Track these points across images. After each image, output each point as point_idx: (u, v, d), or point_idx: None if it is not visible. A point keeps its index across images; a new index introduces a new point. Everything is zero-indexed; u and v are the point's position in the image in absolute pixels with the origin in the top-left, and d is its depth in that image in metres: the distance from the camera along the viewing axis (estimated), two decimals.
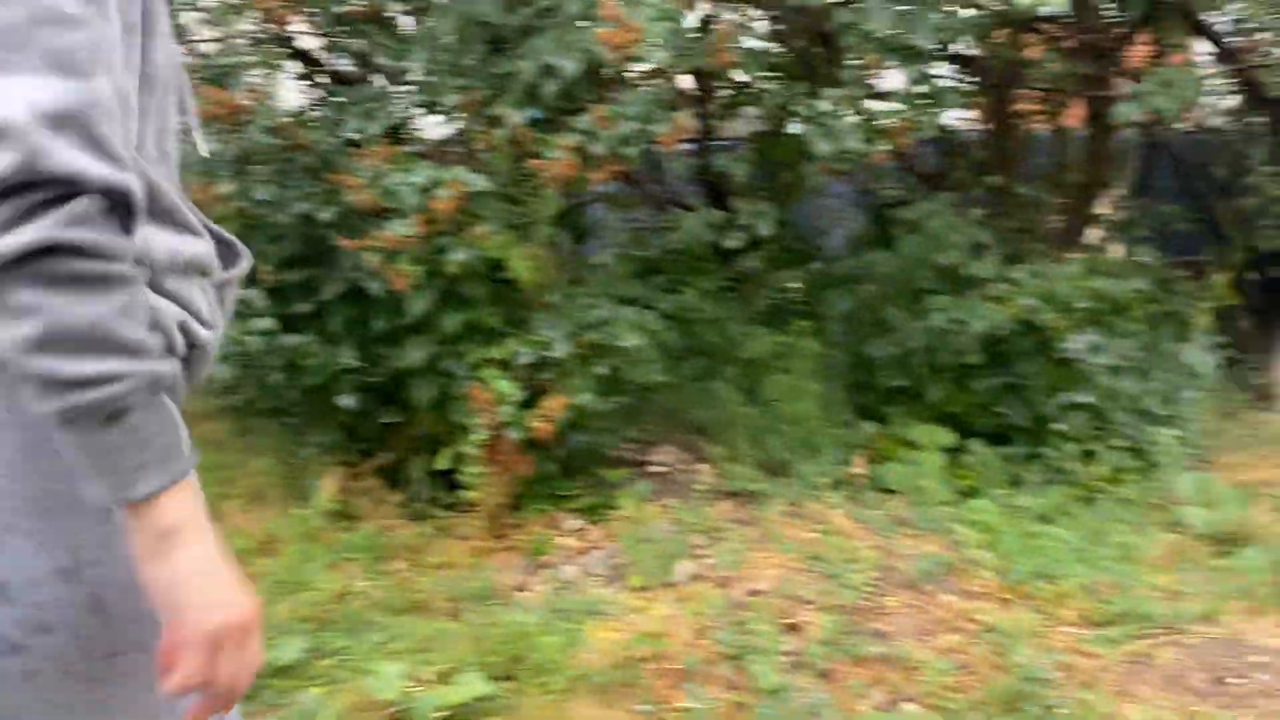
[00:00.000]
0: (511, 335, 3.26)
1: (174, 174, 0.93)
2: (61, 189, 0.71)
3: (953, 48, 4.73)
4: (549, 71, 2.77)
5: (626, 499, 3.56)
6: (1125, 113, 3.17)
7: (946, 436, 3.93)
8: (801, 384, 4.05)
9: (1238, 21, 4.73)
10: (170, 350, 0.86)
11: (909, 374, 4.02)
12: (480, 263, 3.22)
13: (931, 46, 3.00)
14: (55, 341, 0.71)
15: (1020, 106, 4.92)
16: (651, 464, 3.97)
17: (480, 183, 2.62)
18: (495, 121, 2.85)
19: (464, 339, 3.39)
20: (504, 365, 3.34)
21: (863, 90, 3.11)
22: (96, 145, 0.73)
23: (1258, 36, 4.92)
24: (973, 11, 3.06)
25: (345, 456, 3.80)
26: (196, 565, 0.80)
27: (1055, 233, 4.19)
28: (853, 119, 3.03)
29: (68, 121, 0.72)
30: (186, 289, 0.89)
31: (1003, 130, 4.59)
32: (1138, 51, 4.89)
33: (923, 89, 3.12)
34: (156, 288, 0.85)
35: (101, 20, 0.76)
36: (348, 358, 3.50)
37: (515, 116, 2.79)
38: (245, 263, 1.01)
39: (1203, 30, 4.04)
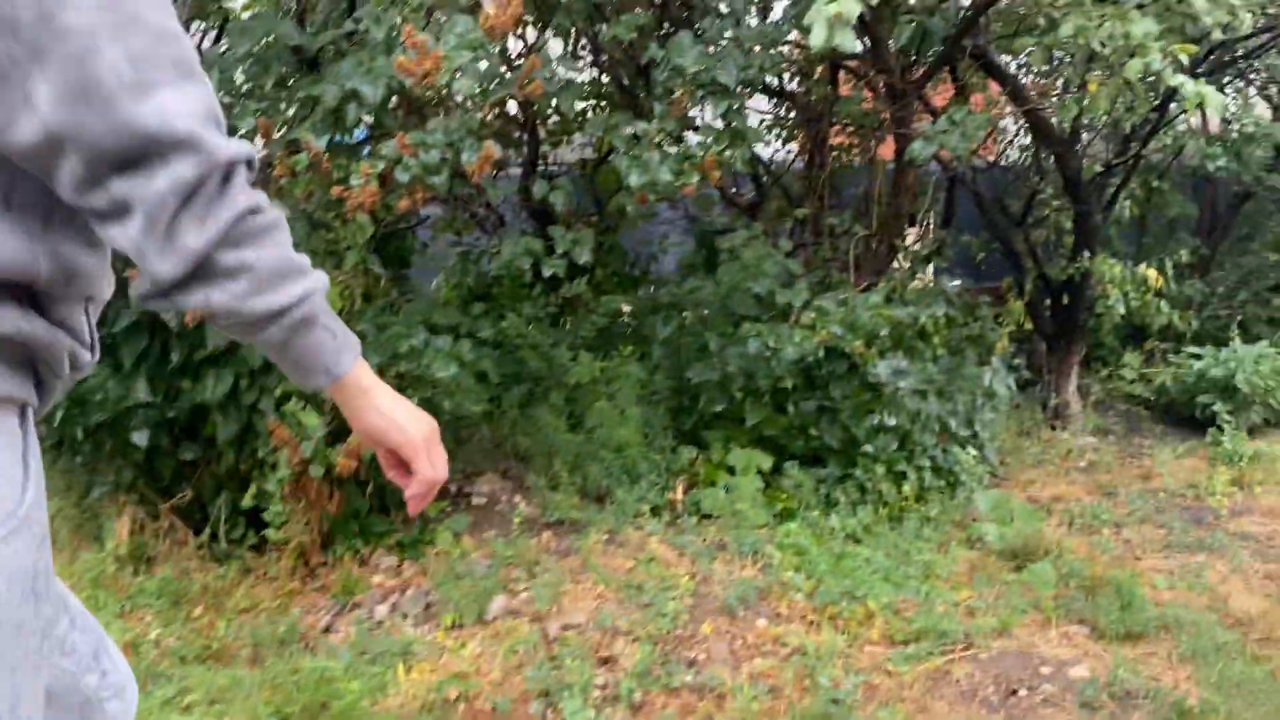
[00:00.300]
0: None
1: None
2: (226, 169, 0.90)
3: (776, 83, 4.95)
4: (353, 97, 2.69)
5: (444, 533, 3.48)
6: (918, 151, 3.33)
7: (764, 460, 4.02)
8: (624, 410, 4.07)
9: (1026, 65, 5.06)
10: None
11: (729, 399, 4.09)
12: None
13: (737, 84, 3.07)
14: (268, 280, 0.93)
15: (835, 140, 5.13)
16: (472, 495, 3.90)
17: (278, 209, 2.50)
18: (295, 147, 2.74)
19: (268, 371, 3.24)
20: (312, 398, 3.22)
21: (675, 123, 3.15)
22: (222, 127, 0.92)
23: (1044, 80, 5.28)
24: (779, 50, 3.14)
25: (141, 496, 3.58)
26: (394, 402, 1.09)
27: (865, 262, 4.35)
28: (663, 151, 3.06)
29: (209, 116, 0.90)
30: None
31: (818, 163, 4.76)
32: (944, 91, 5.17)
33: (733, 123, 3.19)
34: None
35: (180, 29, 0.91)
36: (141, 392, 3.30)
37: (316, 142, 2.69)
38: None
39: (995, 72, 4.29)
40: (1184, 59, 2.64)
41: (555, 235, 3.55)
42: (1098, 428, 5.55)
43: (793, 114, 5.20)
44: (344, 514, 3.42)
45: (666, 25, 3.75)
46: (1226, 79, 6.22)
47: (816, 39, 2.32)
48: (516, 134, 4.78)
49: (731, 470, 4.01)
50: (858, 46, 2.32)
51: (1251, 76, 6.39)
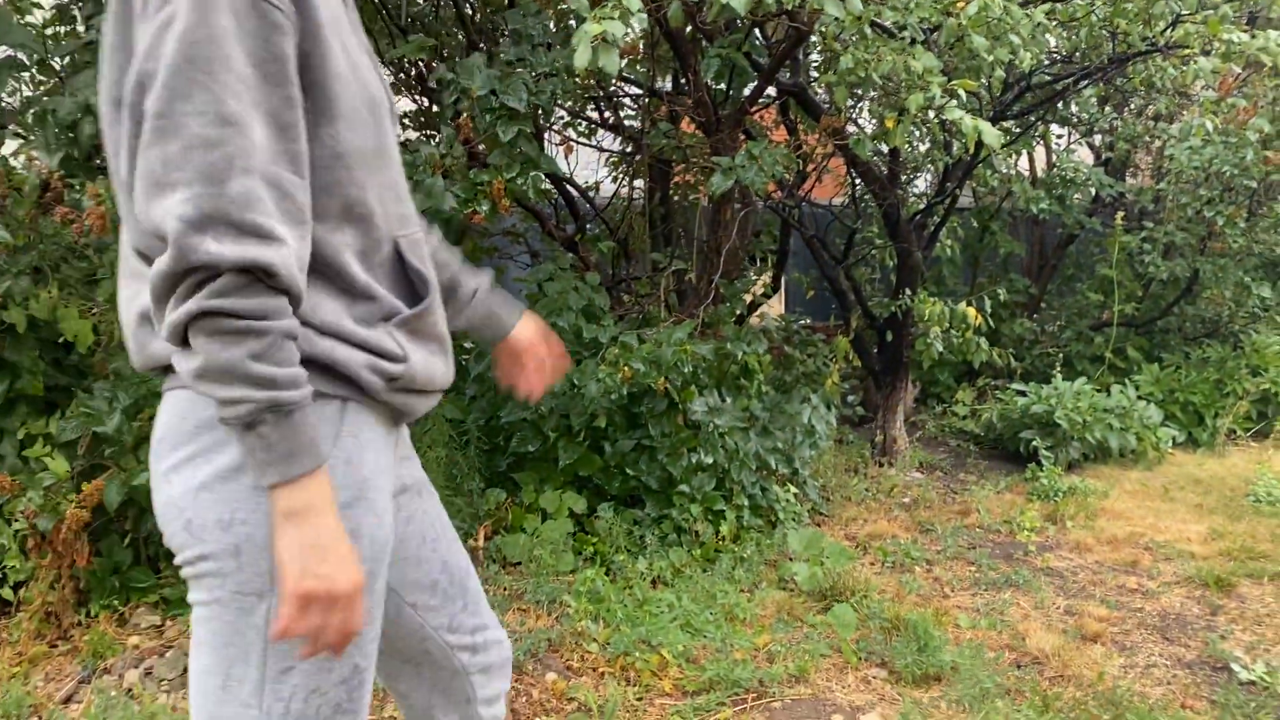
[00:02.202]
0: (63, 407, 2.84)
1: (388, 228, 1.17)
2: (208, 272, 0.98)
3: (610, 116, 4.87)
4: (89, 111, 2.45)
5: None
6: (715, 185, 3.27)
7: (578, 502, 3.87)
8: (430, 452, 3.86)
9: (830, 102, 5.10)
10: (358, 387, 1.14)
11: (542, 439, 3.93)
12: (26, 322, 2.80)
13: (527, 107, 2.94)
14: (209, 374, 1.01)
15: (667, 174, 5.08)
16: None
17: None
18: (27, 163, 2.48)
19: (8, 411, 2.93)
20: (68, 442, 2.92)
21: (461, 149, 3.00)
22: (238, 232, 0.98)
23: (853, 118, 5.33)
24: (573, 77, 3.03)
25: None
26: (305, 541, 1.04)
27: (686, 298, 4.27)
28: (449, 177, 2.90)
29: (209, 221, 0.98)
30: (372, 335, 1.14)
31: (658, 199, 4.69)
32: (766, 125, 5.17)
33: (527, 150, 3.06)
34: (340, 336, 1.12)
35: (239, 136, 1.00)
36: None
37: (48, 159, 2.44)
38: (432, 295, 1.21)
39: (810, 108, 4.29)
40: (963, 94, 2.63)
41: None
42: (925, 463, 5.61)
43: (628, 147, 5.14)
44: (102, 568, 3.11)
45: (466, 48, 3.62)
46: (1047, 123, 6.43)
47: (580, 60, 2.20)
48: None
49: (543, 514, 3.85)
50: (617, 68, 2.21)
51: (1073, 121, 6.65)
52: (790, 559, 3.81)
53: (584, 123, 4.93)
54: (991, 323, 5.42)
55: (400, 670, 1.47)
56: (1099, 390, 5.94)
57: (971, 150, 2.98)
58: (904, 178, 5.19)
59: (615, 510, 3.90)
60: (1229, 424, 6.25)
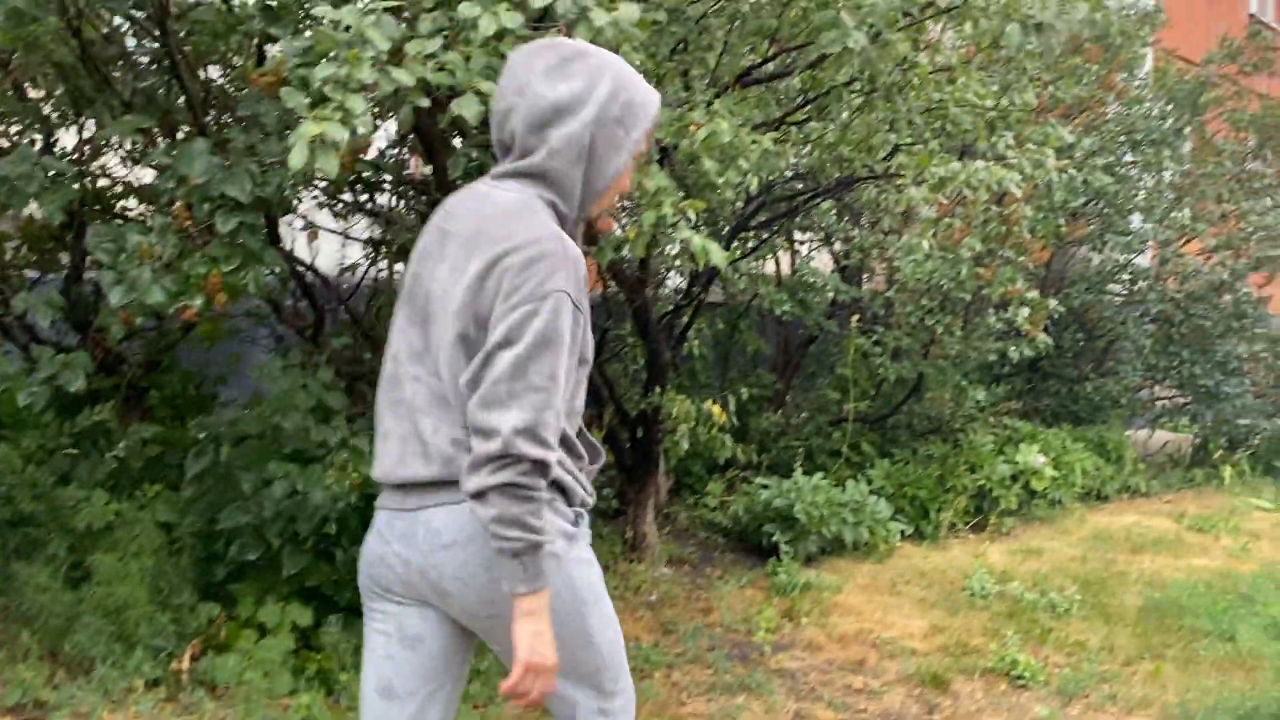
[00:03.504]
0: None
1: (577, 417, 1.78)
2: (516, 459, 1.54)
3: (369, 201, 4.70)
4: None
5: None
6: None
7: (303, 615, 3.60)
8: (135, 561, 3.50)
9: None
10: (582, 505, 1.79)
11: (265, 546, 3.65)
12: None
13: (249, 200, 2.77)
14: (502, 520, 1.54)
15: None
16: None
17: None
18: None
19: None
20: None
21: (177, 238, 2.78)
22: (539, 441, 1.56)
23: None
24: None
25: None
26: (534, 632, 1.60)
27: None
28: (159, 269, 2.67)
29: (528, 433, 1.55)
30: (581, 478, 1.78)
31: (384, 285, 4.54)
32: None
33: (249, 242, 2.87)
34: (573, 475, 1.76)
35: (555, 389, 1.60)
36: None
37: None
38: (602, 458, 1.88)
39: None
40: (693, 214, 2.72)
41: (39, 356, 3.01)
42: (675, 558, 5.65)
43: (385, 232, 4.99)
44: None
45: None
46: (789, 232, 6.81)
47: (294, 161, 2.09)
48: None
49: (262, 629, 3.55)
50: (336, 171, 2.12)
51: (814, 229, 7.07)
52: None
53: (340, 203, 4.76)
54: (737, 419, 5.60)
55: None
56: (835, 484, 6.22)
57: (702, 266, 3.07)
58: (655, 280, 5.32)
59: (345, 623, 3.65)
60: (950, 518, 6.70)
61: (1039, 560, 5.98)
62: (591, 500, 1.80)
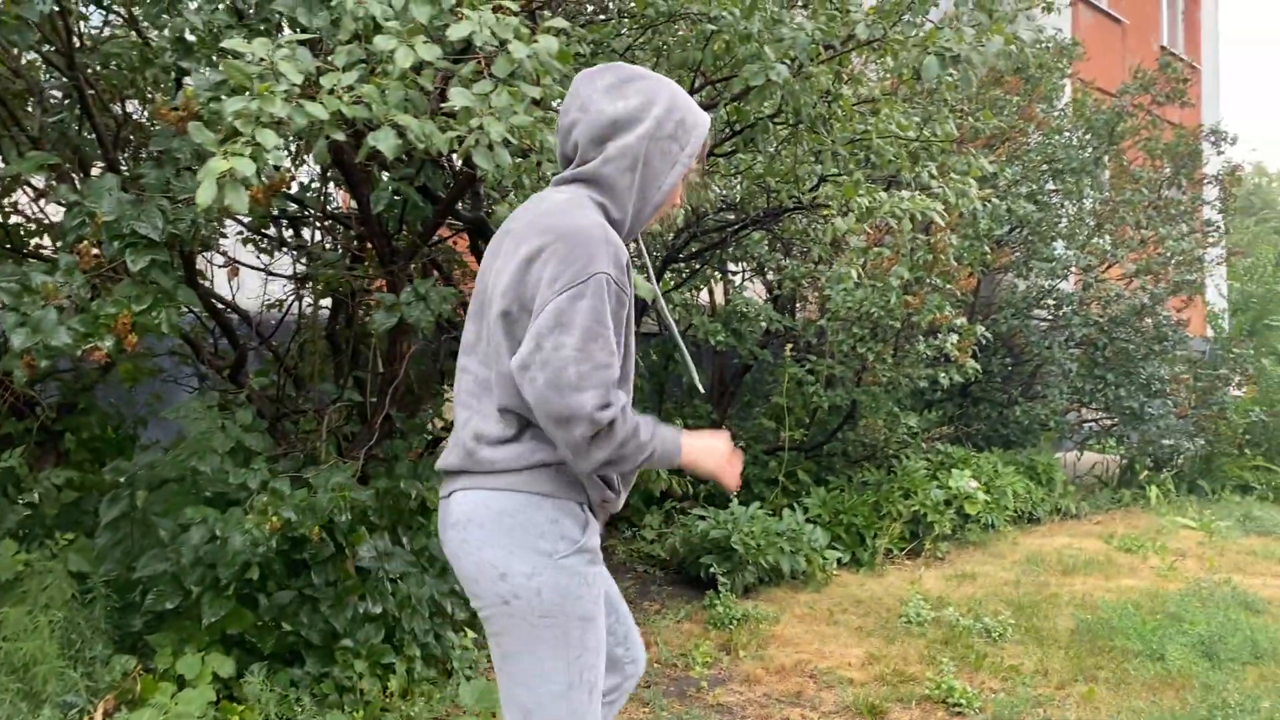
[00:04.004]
0: None
1: (628, 383, 1.92)
2: (607, 430, 1.73)
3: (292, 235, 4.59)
4: None
5: None
6: (379, 322, 3.14)
7: (225, 664, 3.47)
8: (45, 614, 3.34)
9: None
10: (605, 501, 1.94)
11: (183, 593, 3.51)
12: None
13: (161, 237, 2.68)
14: (630, 464, 1.81)
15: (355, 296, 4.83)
16: None
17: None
18: None
19: None
20: None
21: (84, 278, 2.68)
22: (607, 406, 1.71)
23: None
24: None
25: None
26: (704, 460, 1.93)
27: (360, 437, 4.04)
28: (65, 310, 2.57)
29: (603, 406, 1.71)
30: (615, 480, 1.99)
31: (332, 318, 4.44)
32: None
33: (161, 281, 2.78)
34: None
35: (615, 359, 1.75)
36: None
37: None
38: None
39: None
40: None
41: None
42: None
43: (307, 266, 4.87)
44: None
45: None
46: (721, 262, 6.83)
47: (202, 198, 2.02)
48: None
49: (181, 681, 3.41)
50: (246, 207, 2.05)
51: (746, 259, 7.11)
52: (462, 714, 3.60)
53: (264, 239, 4.65)
54: None
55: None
56: (772, 514, 6.22)
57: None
58: None
59: (269, 672, 3.53)
60: (886, 544, 6.74)
61: (973, 585, 6.03)
62: (616, 499, 1.95)
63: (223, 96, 2.27)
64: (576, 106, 1.88)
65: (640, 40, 3.94)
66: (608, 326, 1.72)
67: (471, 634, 4.15)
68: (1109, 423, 10.02)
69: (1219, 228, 11.08)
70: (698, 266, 5.85)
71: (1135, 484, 9.76)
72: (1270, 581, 6.37)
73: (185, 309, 2.98)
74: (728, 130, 4.17)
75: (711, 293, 7.95)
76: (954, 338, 6.79)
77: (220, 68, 2.37)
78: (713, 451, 1.92)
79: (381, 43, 2.34)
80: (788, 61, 3.33)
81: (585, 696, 1.86)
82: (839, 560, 6.21)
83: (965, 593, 5.78)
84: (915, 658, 4.50)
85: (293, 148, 3.54)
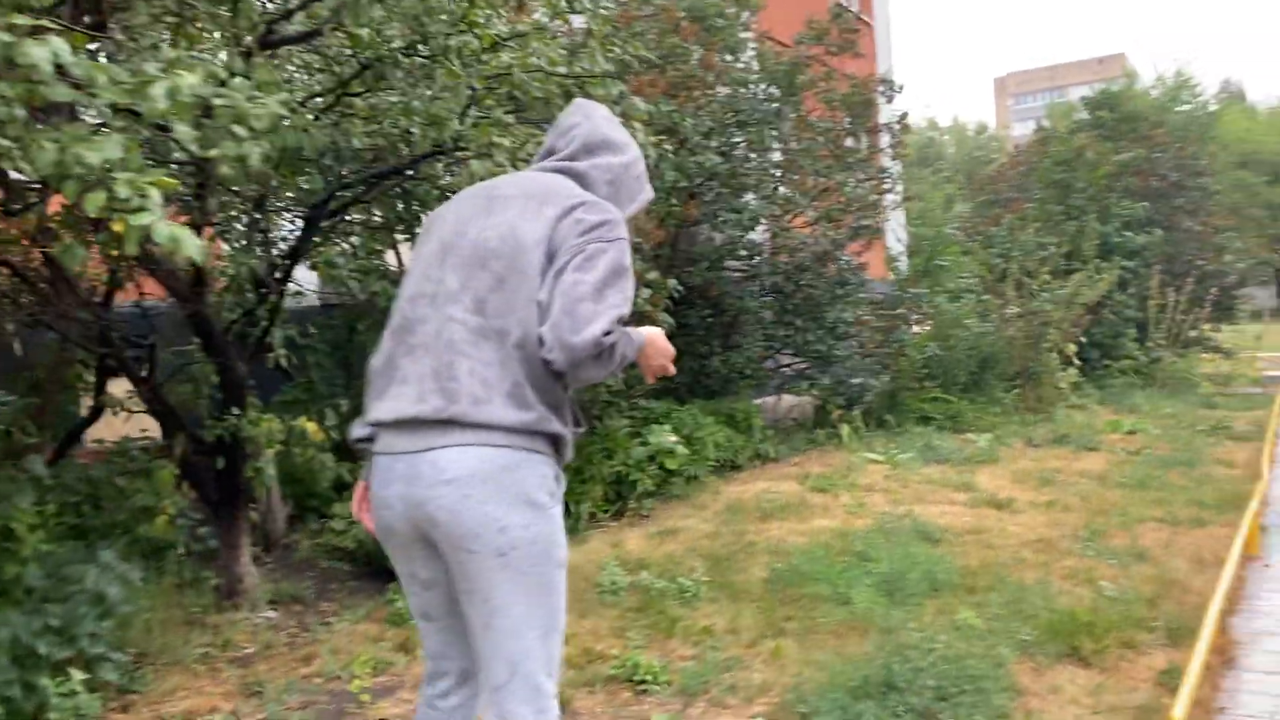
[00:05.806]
0: None
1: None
2: (609, 350, 1.93)
3: None
4: None
5: None
6: None
7: None
8: None
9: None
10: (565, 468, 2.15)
11: None
12: None
13: None
14: (611, 366, 1.96)
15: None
16: None
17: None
18: None
19: None
20: None
21: None
22: (613, 332, 1.92)
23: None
24: None
25: None
26: (650, 352, 2.13)
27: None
28: None
29: (606, 333, 1.91)
30: (569, 441, 2.16)
31: None
32: None
33: None
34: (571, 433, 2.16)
35: (627, 303, 1.99)
36: None
37: None
38: (584, 425, 2.25)
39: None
40: (158, 194, 2.12)
41: None
42: (286, 596, 4.97)
43: None
44: None
45: None
46: (390, 220, 6.27)
47: None
48: None
49: None
50: None
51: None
52: None
53: None
54: (338, 435, 5.00)
55: None
56: None
57: (175, 258, 2.50)
58: (220, 284, 4.57)
59: None
60: (589, 508, 6.50)
61: (674, 541, 5.90)
62: (578, 433, 2.13)
63: None
64: (583, 114, 2.29)
65: None
66: (625, 276, 2.00)
67: (79, 674, 3.45)
68: (802, 366, 10.35)
69: (894, 175, 11.70)
70: (339, 222, 5.25)
71: (829, 424, 10.14)
72: (947, 509, 6.69)
73: None
74: (358, 66, 3.64)
75: (398, 255, 7.34)
76: (646, 293, 6.61)
77: None
78: (659, 346, 2.14)
79: None
80: None
81: (559, 639, 2.05)
82: None
83: (665, 550, 5.63)
84: (607, 632, 4.25)
85: None
